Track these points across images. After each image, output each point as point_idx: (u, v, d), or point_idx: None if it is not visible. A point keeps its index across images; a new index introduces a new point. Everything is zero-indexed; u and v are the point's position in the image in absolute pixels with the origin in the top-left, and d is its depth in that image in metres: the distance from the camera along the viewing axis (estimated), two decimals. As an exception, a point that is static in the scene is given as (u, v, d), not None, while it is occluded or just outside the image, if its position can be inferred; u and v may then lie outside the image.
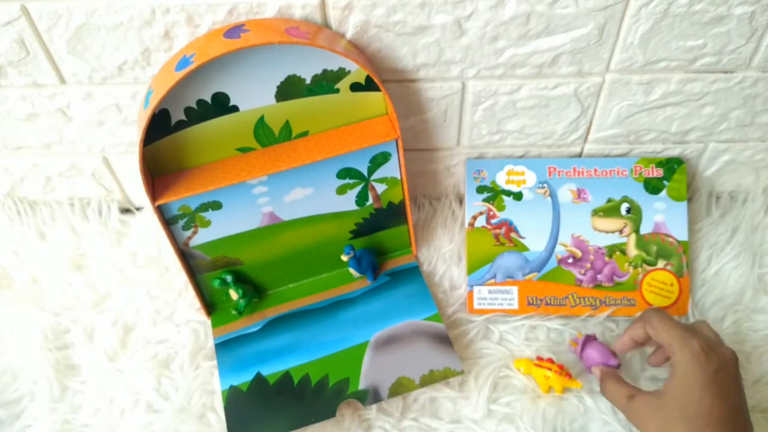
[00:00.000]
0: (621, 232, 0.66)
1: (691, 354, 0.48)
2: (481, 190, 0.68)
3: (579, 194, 0.67)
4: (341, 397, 0.58)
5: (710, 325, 0.52)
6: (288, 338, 0.62)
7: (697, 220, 0.70)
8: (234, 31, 0.51)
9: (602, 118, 0.64)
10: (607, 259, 0.66)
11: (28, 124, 0.63)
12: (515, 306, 0.65)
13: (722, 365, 0.48)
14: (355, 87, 0.57)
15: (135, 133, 0.63)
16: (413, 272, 0.67)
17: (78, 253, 0.70)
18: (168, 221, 0.59)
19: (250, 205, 0.61)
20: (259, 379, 0.60)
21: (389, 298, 0.65)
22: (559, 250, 0.66)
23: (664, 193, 0.67)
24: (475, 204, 0.68)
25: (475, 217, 0.67)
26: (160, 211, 0.58)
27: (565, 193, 0.67)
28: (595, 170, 0.67)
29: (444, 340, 0.61)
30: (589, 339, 0.58)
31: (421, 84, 0.60)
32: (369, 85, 0.57)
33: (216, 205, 0.60)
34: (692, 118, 0.64)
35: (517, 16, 0.55)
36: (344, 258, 0.62)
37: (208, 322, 0.65)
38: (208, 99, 0.55)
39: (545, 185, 0.67)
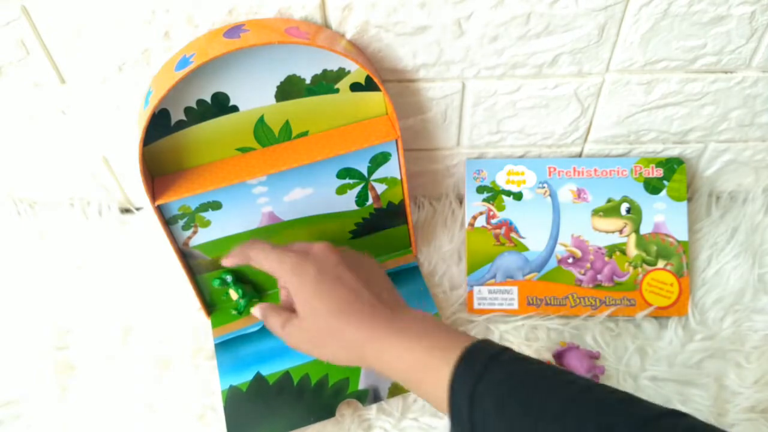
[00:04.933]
0: (621, 232, 0.66)
1: (291, 269, 0.49)
2: (481, 190, 0.68)
3: (579, 194, 0.67)
4: (341, 397, 0.58)
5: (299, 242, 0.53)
6: (288, 338, 0.62)
7: (697, 220, 0.70)
8: (234, 31, 0.52)
9: (602, 118, 0.64)
10: (607, 259, 0.66)
11: (28, 124, 0.63)
12: (515, 306, 0.65)
13: (318, 262, 0.49)
14: (355, 87, 0.57)
15: (135, 133, 0.63)
16: (413, 272, 0.67)
17: (78, 253, 0.70)
18: (168, 221, 0.59)
19: (250, 205, 0.61)
20: (258, 378, 0.60)
21: (389, 298, 0.65)
22: (559, 250, 0.66)
23: (664, 193, 0.67)
24: (475, 204, 0.68)
25: (475, 217, 0.67)
26: (160, 211, 0.58)
27: (565, 193, 0.67)
28: (595, 170, 0.67)
29: (444, 340, 0.61)
30: (571, 348, 0.60)
31: (421, 84, 0.61)
32: (369, 85, 0.57)
33: (216, 205, 0.60)
34: (692, 118, 0.64)
35: (517, 16, 0.55)
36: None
37: (208, 322, 0.65)
38: (208, 99, 0.55)
39: (545, 185, 0.67)
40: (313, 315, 0.48)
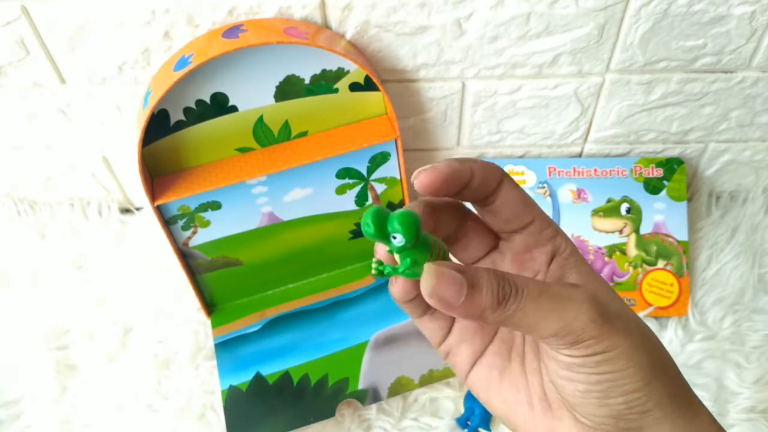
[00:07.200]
0: (621, 232, 0.66)
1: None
2: (480, 190, 0.68)
3: (579, 194, 0.67)
4: (341, 397, 0.58)
5: None
6: (287, 338, 0.62)
7: (697, 220, 0.69)
8: (232, 31, 0.52)
9: (602, 118, 0.64)
10: (607, 259, 0.65)
11: (28, 124, 0.63)
12: (515, 306, 0.65)
13: None
14: (354, 87, 0.57)
15: (135, 133, 0.63)
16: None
17: (78, 253, 0.70)
18: (167, 221, 0.59)
19: (250, 205, 0.61)
20: (258, 378, 0.60)
21: (389, 297, 0.64)
22: (559, 250, 0.66)
23: (664, 193, 0.67)
24: (474, 204, 0.68)
25: (474, 217, 0.67)
26: (160, 211, 0.58)
27: (565, 193, 0.67)
28: (595, 170, 0.67)
29: (444, 340, 0.61)
30: None
31: (421, 84, 0.60)
32: (368, 85, 0.57)
33: (215, 205, 0.60)
34: (692, 118, 0.64)
35: (517, 16, 0.54)
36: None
37: (208, 322, 0.65)
38: (207, 99, 0.55)
39: (545, 185, 0.67)
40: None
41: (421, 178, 0.28)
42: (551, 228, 0.30)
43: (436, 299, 0.26)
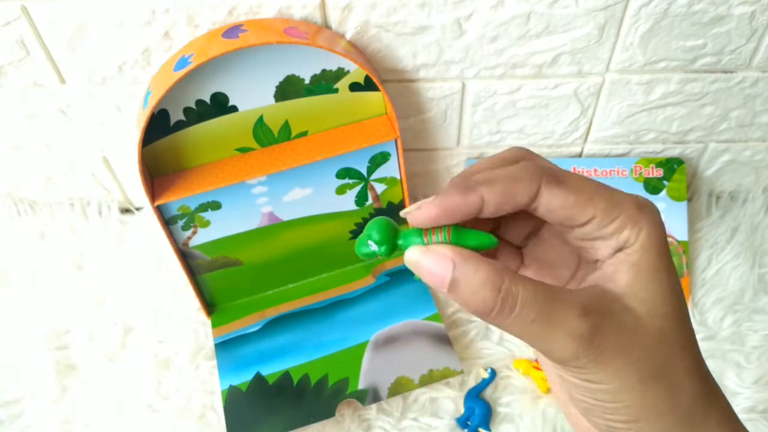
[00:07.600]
0: (621, 232, 0.66)
1: (654, 225, 0.27)
2: (480, 190, 0.68)
3: (579, 194, 0.67)
4: (340, 397, 0.58)
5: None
6: (287, 338, 0.63)
7: (697, 220, 0.70)
8: (232, 31, 0.52)
9: (602, 118, 0.64)
10: (607, 259, 0.65)
11: (28, 124, 0.63)
12: (515, 306, 0.65)
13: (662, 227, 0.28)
14: (354, 87, 0.57)
15: (135, 134, 0.63)
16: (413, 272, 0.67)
17: (78, 253, 0.70)
18: (167, 221, 0.59)
19: (250, 205, 0.61)
20: (258, 378, 0.60)
21: (389, 298, 0.65)
22: (559, 250, 0.66)
23: (664, 193, 0.67)
24: (474, 204, 0.67)
25: (474, 217, 0.67)
26: (160, 211, 0.58)
27: (565, 193, 0.67)
28: (595, 170, 0.67)
29: (444, 339, 0.61)
30: None
31: (421, 84, 0.60)
32: (368, 85, 0.57)
33: (215, 205, 0.60)
34: (692, 118, 0.64)
35: (517, 16, 0.54)
36: None
37: (208, 322, 0.65)
38: (207, 99, 0.55)
39: (545, 185, 0.67)
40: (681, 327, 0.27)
41: (410, 219, 0.28)
42: (616, 222, 0.26)
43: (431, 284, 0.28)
